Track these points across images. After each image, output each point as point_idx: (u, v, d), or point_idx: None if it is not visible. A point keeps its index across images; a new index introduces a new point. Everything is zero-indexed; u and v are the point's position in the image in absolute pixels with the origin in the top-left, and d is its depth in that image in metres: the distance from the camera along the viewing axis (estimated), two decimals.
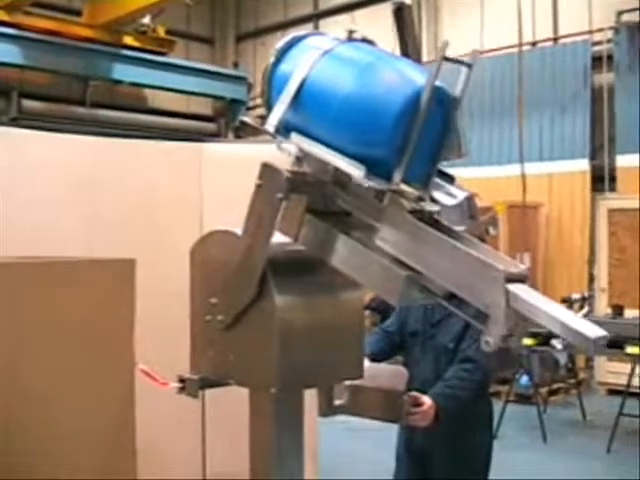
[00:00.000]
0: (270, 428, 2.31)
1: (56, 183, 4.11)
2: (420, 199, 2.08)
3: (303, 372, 2.29)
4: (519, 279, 1.92)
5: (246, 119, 3.17)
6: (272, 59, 2.24)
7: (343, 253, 2.16)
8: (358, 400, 2.72)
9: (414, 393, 3.28)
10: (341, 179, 2.18)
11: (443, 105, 2.06)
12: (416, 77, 2.04)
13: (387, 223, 2.10)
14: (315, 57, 2.13)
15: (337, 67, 2.12)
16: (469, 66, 2.08)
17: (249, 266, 2.22)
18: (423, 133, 1.98)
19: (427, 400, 3.34)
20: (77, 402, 2.30)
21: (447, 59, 2.02)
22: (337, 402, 2.65)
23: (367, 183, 2.01)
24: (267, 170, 2.17)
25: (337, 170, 2.13)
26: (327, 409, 2.64)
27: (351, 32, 2.22)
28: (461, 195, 2.16)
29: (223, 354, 2.34)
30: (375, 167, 2.02)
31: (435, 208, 2.10)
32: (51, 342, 2.27)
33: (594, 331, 1.81)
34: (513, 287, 1.88)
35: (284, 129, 2.19)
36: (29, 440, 2.19)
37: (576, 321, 1.84)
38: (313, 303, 2.33)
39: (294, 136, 2.16)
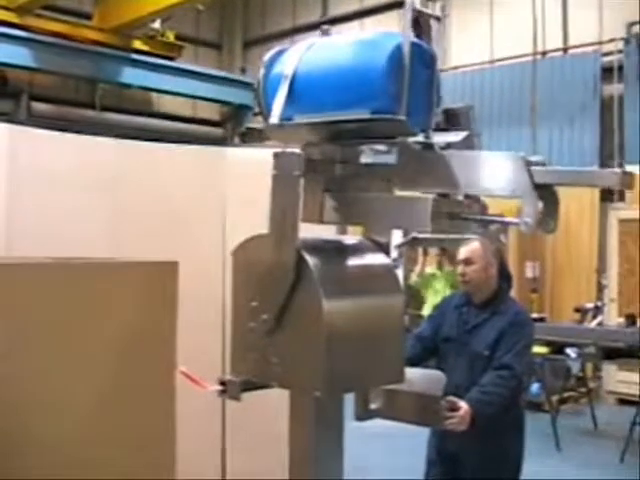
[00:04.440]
0: (311, 431, 2.31)
1: (79, 186, 4.11)
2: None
3: (347, 376, 2.28)
4: (537, 164, 2.08)
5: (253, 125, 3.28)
6: (262, 71, 2.37)
7: (366, 207, 2.28)
8: (394, 404, 2.71)
9: (451, 398, 3.27)
10: (350, 157, 2.30)
11: (423, 58, 2.21)
12: (396, 37, 2.19)
13: (401, 170, 2.22)
14: (301, 51, 2.29)
15: (323, 51, 2.29)
16: (438, 19, 2.27)
17: (282, 255, 2.24)
18: (413, 83, 2.12)
19: (464, 405, 3.35)
20: (118, 406, 2.30)
21: (418, 11, 2.20)
22: (373, 406, 2.64)
23: (375, 117, 2.11)
24: (280, 156, 2.25)
25: (345, 147, 2.28)
26: (363, 413, 2.63)
27: (325, 29, 2.43)
28: (462, 134, 2.30)
29: (266, 357, 2.33)
30: None
31: (440, 144, 2.22)
32: (92, 345, 2.26)
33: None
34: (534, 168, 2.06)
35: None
36: (66, 444, 2.19)
37: (598, 168, 2.02)
38: (357, 307, 2.32)
39: (297, 118, 2.24)
